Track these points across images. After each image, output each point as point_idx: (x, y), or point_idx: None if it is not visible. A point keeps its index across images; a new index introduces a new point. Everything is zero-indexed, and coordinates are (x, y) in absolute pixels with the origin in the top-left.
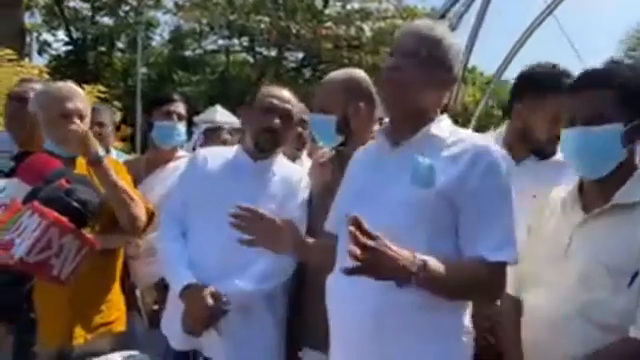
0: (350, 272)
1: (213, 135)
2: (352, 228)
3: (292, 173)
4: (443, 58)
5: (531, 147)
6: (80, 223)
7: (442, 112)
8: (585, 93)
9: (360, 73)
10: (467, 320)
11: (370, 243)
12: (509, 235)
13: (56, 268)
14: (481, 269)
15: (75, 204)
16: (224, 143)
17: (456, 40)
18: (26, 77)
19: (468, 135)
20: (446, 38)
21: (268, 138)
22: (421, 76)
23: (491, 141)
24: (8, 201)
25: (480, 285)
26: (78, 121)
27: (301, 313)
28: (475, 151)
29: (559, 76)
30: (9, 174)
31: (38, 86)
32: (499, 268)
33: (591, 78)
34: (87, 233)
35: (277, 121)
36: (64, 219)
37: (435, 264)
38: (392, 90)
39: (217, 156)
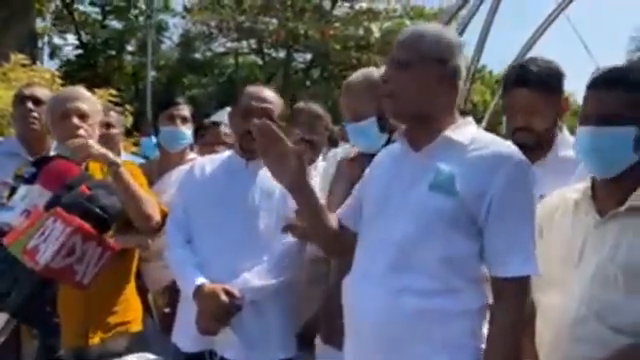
0: None
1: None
2: None
3: None
4: (432, 53)
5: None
6: (102, 229)
7: (462, 114)
8: (600, 92)
9: (375, 71)
10: (478, 326)
11: None
12: (533, 247)
13: (79, 274)
14: (507, 290)
15: (97, 210)
16: None
17: (445, 31)
18: (31, 82)
19: (491, 141)
20: (431, 33)
21: (250, 140)
22: (413, 80)
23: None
24: (30, 208)
25: (508, 307)
26: (77, 121)
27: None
28: (495, 159)
29: (517, 70)
30: (29, 180)
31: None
32: (524, 281)
33: (607, 77)
34: (107, 237)
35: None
36: (87, 225)
37: None
38: (389, 102)
39: (212, 162)
